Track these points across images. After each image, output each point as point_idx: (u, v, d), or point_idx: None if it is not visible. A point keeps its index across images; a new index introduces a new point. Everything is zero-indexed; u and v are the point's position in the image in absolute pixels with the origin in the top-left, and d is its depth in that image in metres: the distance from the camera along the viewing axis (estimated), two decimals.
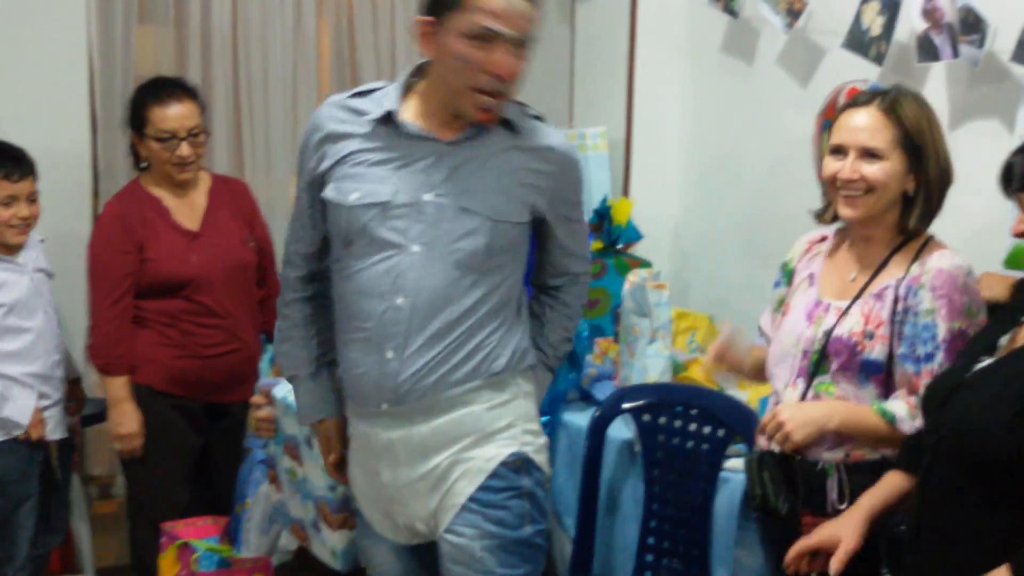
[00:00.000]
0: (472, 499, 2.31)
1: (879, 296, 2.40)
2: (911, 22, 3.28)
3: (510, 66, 2.22)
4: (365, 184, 2.31)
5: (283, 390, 2.85)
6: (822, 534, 2.24)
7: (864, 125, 2.38)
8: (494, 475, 2.32)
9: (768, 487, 2.43)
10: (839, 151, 2.42)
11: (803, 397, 2.44)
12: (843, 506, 2.33)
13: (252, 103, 4.55)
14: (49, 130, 4.01)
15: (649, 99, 4.45)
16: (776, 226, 4.02)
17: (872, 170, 2.36)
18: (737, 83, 4.18)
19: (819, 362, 2.42)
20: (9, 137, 3.94)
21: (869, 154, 2.37)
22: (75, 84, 4.19)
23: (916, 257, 2.40)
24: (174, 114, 3.39)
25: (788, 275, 2.66)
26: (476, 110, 2.26)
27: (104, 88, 4.26)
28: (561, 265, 2.55)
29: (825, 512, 2.36)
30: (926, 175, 2.37)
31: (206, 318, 3.47)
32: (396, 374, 2.29)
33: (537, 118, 2.43)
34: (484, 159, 2.33)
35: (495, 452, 2.33)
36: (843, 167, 2.39)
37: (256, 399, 2.96)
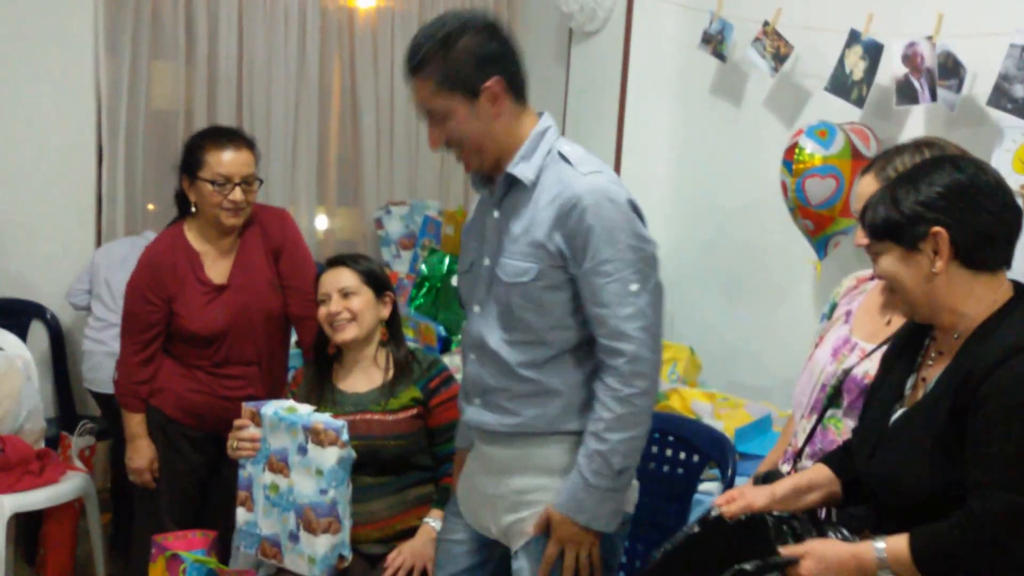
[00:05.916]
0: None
1: None
2: (892, 66, 3.38)
3: None
4: None
5: (272, 408, 2.93)
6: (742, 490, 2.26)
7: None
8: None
9: None
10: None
11: (813, 430, 2.49)
12: None
13: (255, 132, 4.71)
14: (58, 162, 4.32)
15: (638, 137, 4.56)
16: (757, 262, 4.12)
17: None
18: (724, 124, 4.29)
19: (833, 397, 2.46)
20: (16, 164, 4.09)
21: None
22: (84, 117, 4.49)
23: None
24: (231, 159, 3.35)
25: (831, 309, 2.68)
26: None
27: (111, 122, 4.55)
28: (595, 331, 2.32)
29: None
30: None
31: (230, 367, 3.51)
32: None
33: (565, 160, 2.33)
34: (508, 218, 2.38)
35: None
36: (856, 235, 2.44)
37: (240, 421, 2.99)
